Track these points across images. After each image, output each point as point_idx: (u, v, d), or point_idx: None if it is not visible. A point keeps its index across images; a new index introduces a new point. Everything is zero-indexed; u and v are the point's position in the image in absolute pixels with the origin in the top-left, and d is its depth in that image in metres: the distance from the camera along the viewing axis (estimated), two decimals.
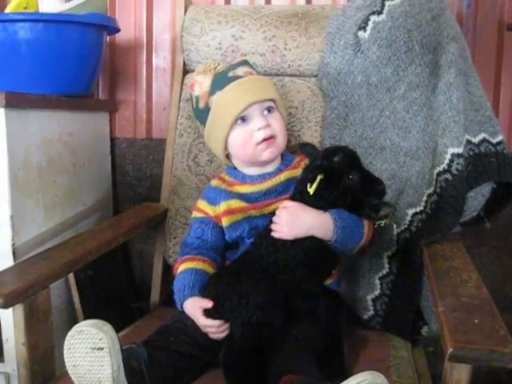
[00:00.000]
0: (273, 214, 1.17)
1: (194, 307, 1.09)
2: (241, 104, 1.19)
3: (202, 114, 1.27)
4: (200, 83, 1.26)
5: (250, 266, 1.12)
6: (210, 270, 1.18)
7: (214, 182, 1.29)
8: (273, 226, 1.13)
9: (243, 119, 1.21)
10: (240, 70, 1.26)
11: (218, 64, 1.29)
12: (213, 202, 1.25)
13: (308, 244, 1.11)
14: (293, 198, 1.16)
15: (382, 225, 1.14)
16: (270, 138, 1.20)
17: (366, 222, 1.15)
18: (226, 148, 1.25)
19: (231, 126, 1.21)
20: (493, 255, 1.69)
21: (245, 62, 1.31)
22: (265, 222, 1.19)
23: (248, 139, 1.21)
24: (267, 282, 1.08)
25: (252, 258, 1.14)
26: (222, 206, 1.23)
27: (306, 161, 1.24)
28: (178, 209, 1.51)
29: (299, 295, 1.11)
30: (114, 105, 1.82)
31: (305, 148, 1.24)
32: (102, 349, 0.87)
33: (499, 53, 1.64)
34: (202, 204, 1.28)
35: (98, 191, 1.71)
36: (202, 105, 1.26)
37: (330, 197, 1.11)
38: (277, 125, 1.22)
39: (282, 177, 1.24)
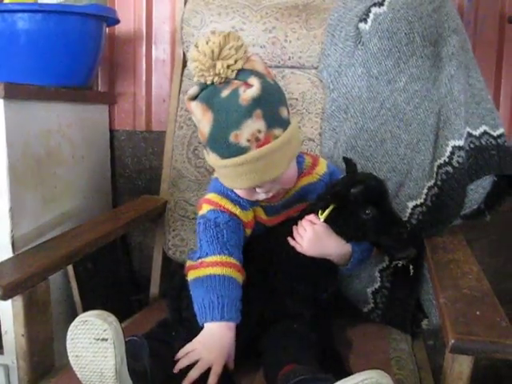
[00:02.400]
0: (285, 220, 1.19)
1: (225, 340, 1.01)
2: (239, 185, 1.07)
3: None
4: (198, 120, 1.07)
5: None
6: (240, 277, 1.08)
7: None
8: (295, 236, 1.13)
9: None
10: (245, 131, 0.99)
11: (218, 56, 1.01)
12: (239, 204, 1.13)
13: (323, 263, 1.12)
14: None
15: (399, 265, 1.19)
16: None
17: (374, 250, 1.18)
18: None
19: None
20: (492, 248, 1.69)
21: (256, 105, 0.99)
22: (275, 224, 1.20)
23: (246, 193, 1.11)
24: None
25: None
26: (250, 214, 1.15)
27: (320, 167, 1.21)
28: (177, 201, 1.51)
29: (290, 297, 1.11)
30: (113, 97, 1.81)
31: (347, 165, 1.18)
32: (106, 340, 0.86)
33: (500, 45, 1.64)
34: (222, 201, 1.13)
35: (97, 183, 1.70)
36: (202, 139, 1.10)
37: (342, 227, 1.10)
38: (280, 182, 1.10)
39: (297, 186, 1.18)
